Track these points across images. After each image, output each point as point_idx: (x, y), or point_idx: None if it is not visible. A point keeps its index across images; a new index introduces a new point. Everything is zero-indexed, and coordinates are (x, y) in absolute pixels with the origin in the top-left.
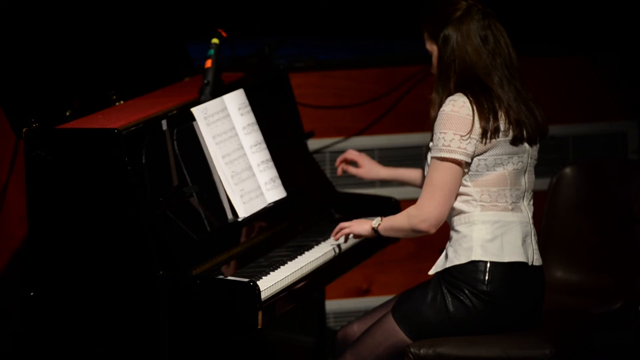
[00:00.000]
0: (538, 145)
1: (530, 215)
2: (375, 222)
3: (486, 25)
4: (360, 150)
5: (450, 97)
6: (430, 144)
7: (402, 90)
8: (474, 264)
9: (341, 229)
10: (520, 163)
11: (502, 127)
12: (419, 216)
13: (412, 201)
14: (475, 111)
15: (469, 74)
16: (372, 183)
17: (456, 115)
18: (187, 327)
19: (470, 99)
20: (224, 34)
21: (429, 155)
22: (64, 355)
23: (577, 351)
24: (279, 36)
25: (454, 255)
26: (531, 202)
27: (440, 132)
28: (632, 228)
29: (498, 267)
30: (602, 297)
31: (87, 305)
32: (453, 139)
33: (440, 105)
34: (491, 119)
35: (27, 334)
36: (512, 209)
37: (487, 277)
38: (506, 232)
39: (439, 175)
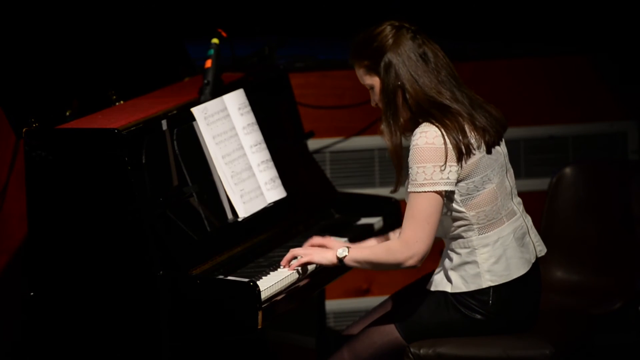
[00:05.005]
0: (503, 139)
1: (521, 208)
2: (341, 251)
3: (420, 42)
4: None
5: (420, 130)
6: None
7: None
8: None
9: (295, 257)
10: (502, 169)
11: (473, 142)
12: (405, 252)
13: None
14: (446, 137)
15: (422, 96)
16: (372, 183)
17: (432, 147)
18: (187, 327)
19: (437, 125)
20: (224, 34)
21: (407, 189)
22: (64, 355)
23: (577, 351)
24: (279, 36)
25: (462, 282)
26: (516, 194)
27: (419, 167)
28: (632, 228)
29: (503, 286)
30: (602, 297)
31: (87, 305)
32: (434, 171)
33: (392, 135)
34: (461, 138)
35: (27, 334)
36: (507, 218)
37: (491, 300)
38: (507, 247)
39: (422, 208)
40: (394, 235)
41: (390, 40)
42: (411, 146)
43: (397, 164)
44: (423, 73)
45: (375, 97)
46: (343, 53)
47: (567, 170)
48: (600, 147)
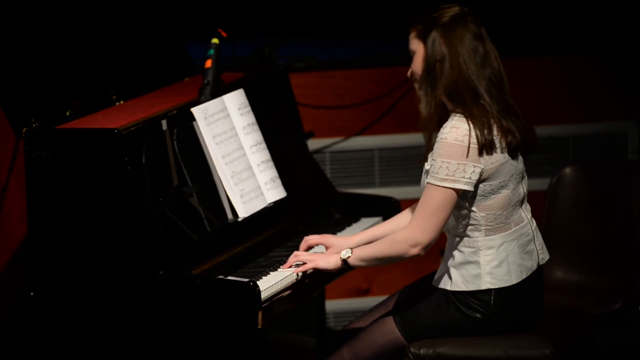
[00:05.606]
0: None
1: (529, 215)
2: (345, 253)
3: (479, 35)
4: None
5: (451, 124)
6: (426, 165)
7: (402, 90)
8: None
9: (298, 260)
10: (520, 176)
11: (497, 142)
12: (409, 241)
13: (413, 201)
14: (475, 136)
15: (461, 75)
16: (372, 183)
17: (460, 145)
18: (187, 327)
19: (469, 122)
20: (224, 34)
21: (425, 179)
22: (64, 355)
23: (577, 351)
24: (279, 36)
25: (462, 281)
26: (527, 202)
27: (443, 161)
28: (632, 228)
29: (504, 290)
30: (602, 297)
31: (87, 306)
32: (457, 169)
33: (428, 104)
34: (486, 134)
35: (27, 334)
36: (515, 224)
37: (493, 299)
38: (510, 252)
39: (436, 201)
40: (395, 220)
41: (449, 18)
42: (439, 139)
43: (428, 135)
44: (468, 58)
45: (414, 65)
46: (343, 53)
47: (567, 170)
48: (600, 147)
